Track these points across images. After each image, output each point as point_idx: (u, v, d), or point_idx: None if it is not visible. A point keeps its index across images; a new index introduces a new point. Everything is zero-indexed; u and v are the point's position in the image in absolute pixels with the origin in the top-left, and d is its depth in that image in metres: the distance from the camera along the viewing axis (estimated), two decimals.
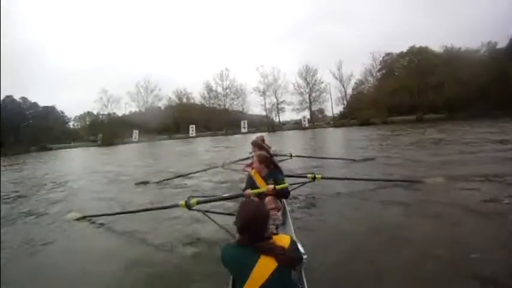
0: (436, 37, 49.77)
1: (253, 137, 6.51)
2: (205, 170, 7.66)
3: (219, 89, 47.70)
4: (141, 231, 3.93)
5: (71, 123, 55.96)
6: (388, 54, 42.94)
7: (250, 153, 5.73)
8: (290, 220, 2.98)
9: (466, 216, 3.64)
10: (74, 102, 61.27)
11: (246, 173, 4.83)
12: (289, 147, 12.81)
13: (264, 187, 3.04)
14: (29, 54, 65.37)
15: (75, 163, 18.76)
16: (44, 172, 13.06)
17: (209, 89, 47.96)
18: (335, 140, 19.71)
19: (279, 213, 3.01)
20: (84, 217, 4.74)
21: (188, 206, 3.02)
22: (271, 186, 2.88)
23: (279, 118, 47.50)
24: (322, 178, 3.95)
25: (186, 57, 78.03)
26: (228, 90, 47.40)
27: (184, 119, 45.22)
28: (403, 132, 18.20)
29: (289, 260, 1.44)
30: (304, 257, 1.53)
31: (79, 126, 56.10)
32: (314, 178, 3.77)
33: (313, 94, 45.02)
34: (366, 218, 3.88)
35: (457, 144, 10.46)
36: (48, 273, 3.06)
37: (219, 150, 16.92)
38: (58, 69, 65.52)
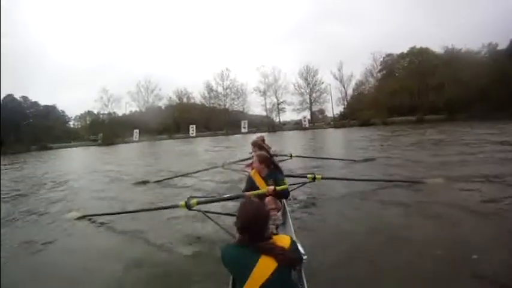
0: (437, 38, 49.63)
1: (254, 137, 6.52)
2: (205, 170, 7.67)
3: (220, 89, 47.72)
4: (141, 231, 3.93)
5: (71, 123, 55.96)
6: (388, 55, 42.97)
7: (250, 153, 5.73)
8: (290, 220, 2.98)
9: (466, 216, 3.65)
10: (74, 102, 61.31)
11: (246, 173, 4.84)
12: (289, 148, 12.81)
13: (264, 187, 3.05)
14: (30, 54, 65.27)
15: (75, 162, 18.78)
16: (44, 171, 13.07)
17: (209, 89, 47.97)
18: (335, 141, 19.72)
19: (279, 214, 3.02)
20: (84, 216, 4.75)
21: (188, 207, 3.01)
22: (272, 187, 2.88)
23: (279, 118, 47.54)
24: (322, 178, 3.95)
25: (187, 57, 77.95)
26: (228, 90, 47.41)
27: (184, 119, 45.19)
28: (403, 133, 18.20)
29: (289, 260, 1.45)
30: (304, 257, 1.53)
31: (79, 126, 56.02)
32: (314, 178, 3.77)
33: (314, 94, 45.02)
34: (366, 218, 3.89)
35: (457, 145, 10.47)
36: (48, 272, 3.07)
37: (219, 150, 16.93)
38: (59, 68, 65.32)
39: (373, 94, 41.59)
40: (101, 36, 78.24)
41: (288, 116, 48.44)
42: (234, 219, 2.94)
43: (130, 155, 20.02)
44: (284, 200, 3.30)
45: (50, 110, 50.06)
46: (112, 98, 46.78)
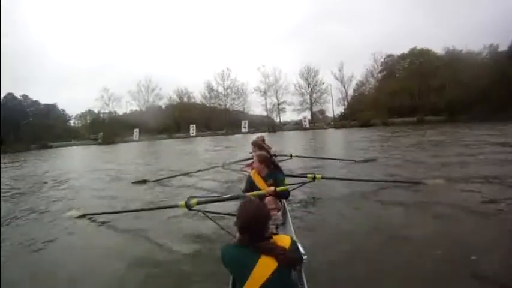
0: (438, 39, 49.85)
1: (254, 137, 6.52)
2: (205, 170, 7.67)
3: (220, 89, 47.83)
4: (141, 230, 3.93)
5: (71, 122, 56.09)
6: (389, 55, 43.03)
7: (251, 153, 5.73)
8: (290, 220, 2.98)
9: (466, 217, 3.66)
10: (75, 101, 61.52)
11: (246, 173, 4.84)
12: (289, 148, 12.81)
13: (264, 187, 3.04)
14: (31, 53, 65.52)
15: (75, 161, 18.81)
16: (45, 170, 13.08)
17: (210, 89, 48.09)
18: (335, 141, 19.72)
19: (279, 213, 3.02)
20: (84, 215, 4.75)
21: (188, 206, 3.00)
22: (272, 188, 2.87)
23: (279, 118, 47.63)
24: (322, 178, 3.95)
25: (187, 56, 78.20)
26: (229, 90, 47.52)
27: (184, 119, 45.25)
28: (404, 134, 18.20)
29: (289, 260, 1.44)
30: (304, 257, 1.53)
31: (80, 125, 56.14)
32: (314, 178, 3.77)
33: (314, 95, 45.14)
34: (366, 218, 3.89)
35: (457, 146, 10.47)
36: (48, 271, 3.07)
37: (219, 150, 16.94)
38: (59, 67, 65.62)
39: (373, 95, 41.64)
40: (101, 36, 78.28)
41: (288, 116, 48.63)
42: (234, 219, 2.94)
43: (130, 154, 20.03)
44: (284, 200, 3.30)
45: (51, 109, 50.16)
46: (112, 97, 47.01)
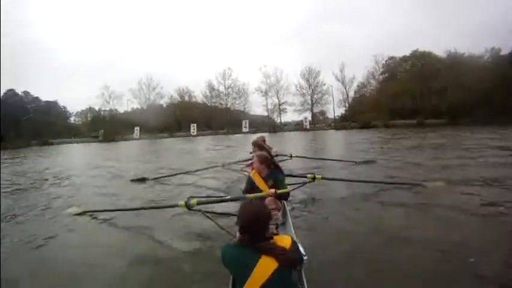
0: (440, 41, 49.53)
1: (254, 137, 6.52)
2: (205, 169, 7.67)
3: (221, 88, 47.80)
4: (141, 229, 3.93)
5: (72, 119, 56.10)
6: (391, 57, 42.96)
7: (251, 153, 5.73)
8: (290, 220, 2.99)
9: (466, 219, 3.68)
10: (75, 98, 61.35)
11: (246, 173, 4.84)
12: (290, 148, 12.79)
13: (264, 187, 3.04)
14: (32, 49, 65.57)
15: (76, 158, 18.83)
16: (45, 166, 13.08)
17: (211, 88, 48.05)
18: (336, 142, 19.72)
19: (279, 213, 3.02)
20: (84, 212, 4.75)
21: (188, 206, 2.99)
22: (272, 190, 2.86)
23: (280, 119, 47.59)
24: (322, 178, 3.96)
25: (189, 55, 78.13)
26: (230, 90, 47.49)
27: (185, 117, 45.24)
28: (404, 136, 18.20)
29: (290, 260, 1.44)
30: (305, 257, 1.53)
31: (80, 122, 56.13)
32: (314, 178, 3.77)
33: (315, 96, 45.10)
34: (366, 218, 3.90)
35: (457, 149, 10.47)
36: (48, 268, 3.07)
37: (220, 149, 16.95)
38: (61, 64, 65.65)
39: (374, 96, 41.60)
40: (104, 34, 78.47)
41: (289, 116, 48.59)
42: (234, 219, 2.95)
43: (131, 152, 20.04)
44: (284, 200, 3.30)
45: (52, 106, 50.17)
46: (113, 94, 47.00)
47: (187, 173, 7.56)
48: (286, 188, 3.03)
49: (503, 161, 7.38)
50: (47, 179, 9.13)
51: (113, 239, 3.75)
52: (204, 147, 19.51)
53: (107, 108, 48.43)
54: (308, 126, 41.50)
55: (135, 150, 21.69)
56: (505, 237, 3.17)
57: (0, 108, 36.36)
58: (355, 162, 8.17)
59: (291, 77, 47.97)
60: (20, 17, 64.36)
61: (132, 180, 7.43)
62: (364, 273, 2.49)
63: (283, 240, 1.51)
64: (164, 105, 50.19)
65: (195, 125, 42.94)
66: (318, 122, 46.08)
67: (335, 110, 45.98)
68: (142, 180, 7.38)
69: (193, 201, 3.01)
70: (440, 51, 38.41)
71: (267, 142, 5.87)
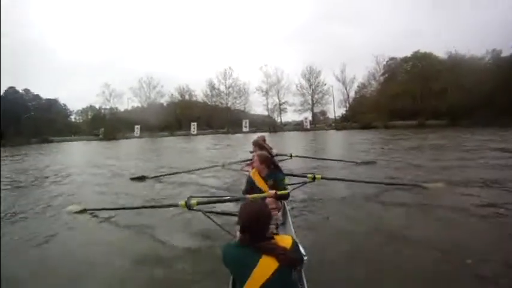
0: (441, 42, 49.49)
1: (255, 136, 6.52)
2: (205, 169, 7.66)
3: (222, 88, 47.77)
4: (140, 228, 3.94)
5: (72, 117, 56.05)
6: (392, 58, 42.86)
7: (251, 152, 5.73)
8: (290, 220, 2.99)
9: (465, 220, 3.70)
10: (76, 96, 61.59)
11: (246, 173, 4.84)
12: (290, 148, 12.80)
13: (264, 187, 3.04)
14: (33, 47, 65.55)
15: (76, 156, 18.81)
16: (46, 164, 13.08)
17: (212, 87, 48.02)
18: (336, 143, 19.71)
19: (279, 213, 3.02)
20: (84, 210, 4.76)
21: (188, 206, 2.98)
22: (273, 191, 2.85)
23: (280, 119, 47.55)
24: (322, 178, 3.96)
25: (190, 55, 78.04)
26: (230, 89, 47.46)
27: (186, 116, 45.21)
28: (405, 137, 18.19)
29: (290, 260, 1.45)
30: (305, 258, 1.53)
31: (81, 120, 56.12)
32: (314, 178, 3.77)
33: (316, 96, 45.06)
34: (366, 219, 3.91)
35: (457, 150, 10.47)
36: (48, 266, 3.08)
37: (220, 149, 16.95)
38: (61, 62, 65.69)
39: (375, 97, 41.54)
40: (105, 33, 78.36)
41: (290, 116, 48.56)
42: (234, 219, 2.95)
43: (131, 151, 20.04)
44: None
45: (52, 104, 50.11)
46: (114, 93, 47.01)
47: (187, 172, 7.55)
48: (286, 188, 3.03)
49: (504, 163, 7.38)
50: (47, 177, 9.12)
51: (113, 237, 3.75)
52: (204, 146, 19.50)
53: (108, 107, 48.50)
54: (308, 126, 41.46)
55: (135, 149, 21.68)
56: (505, 238, 3.19)
57: (0, 106, 36.32)
58: (356, 162, 8.17)
59: (292, 77, 47.93)
60: (20, 16, 64.29)
61: (132, 179, 7.42)
62: (364, 273, 2.50)
63: (284, 240, 1.50)
64: (165, 104, 50.24)
65: (196, 124, 42.92)
66: (319, 122, 46.05)
67: (335, 110, 46.01)
68: (142, 178, 7.38)
69: (194, 201, 3.01)
70: (441, 52, 38.43)
71: (267, 142, 5.86)
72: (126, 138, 40.13)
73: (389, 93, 38.36)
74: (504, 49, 33.92)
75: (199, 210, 3.07)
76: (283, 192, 2.88)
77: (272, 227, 2.52)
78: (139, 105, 48.79)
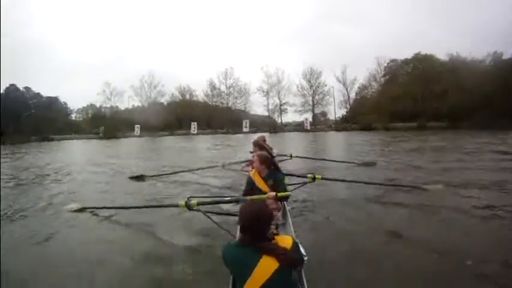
0: (442, 44, 49.58)
1: (255, 136, 6.52)
2: (205, 168, 7.65)
3: (223, 87, 47.77)
4: (140, 227, 3.94)
5: (73, 115, 56.05)
6: (393, 60, 42.87)
7: (251, 152, 5.73)
8: (290, 220, 2.99)
9: (465, 221, 3.72)
10: (76, 94, 61.55)
11: (246, 173, 4.84)
12: (290, 149, 12.80)
13: (263, 187, 3.03)
14: (34, 45, 65.59)
15: (76, 154, 18.81)
16: (45, 162, 13.07)
17: (212, 87, 48.02)
18: (336, 143, 19.72)
19: (279, 213, 3.02)
20: (83, 209, 4.76)
21: (188, 207, 2.98)
22: (273, 193, 2.84)
23: (281, 119, 47.53)
24: (322, 179, 3.96)
25: (191, 54, 77.87)
26: (231, 89, 47.45)
27: (186, 116, 45.19)
28: (405, 139, 18.20)
29: (291, 260, 1.44)
30: (305, 258, 1.53)
31: (81, 119, 56.13)
32: (314, 178, 3.77)
33: (317, 97, 45.01)
34: (365, 219, 3.92)
35: (457, 152, 10.48)
36: (48, 263, 3.08)
37: (220, 149, 16.95)
38: (62, 60, 65.44)
39: (375, 99, 41.54)
40: (106, 31, 78.49)
41: (290, 117, 48.52)
42: (234, 219, 2.95)
43: (131, 150, 20.04)
44: None
45: (53, 102, 50.07)
46: (115, 91, 46.99)
47: (186, 171, 7.54)
48: (286, 187, 3.03)
49: (504, 165, 7.40)
50: (47, 175, 9.12)
51: (113, 236, 3.75)
52: (204, 146, 19.50)
53: (108, 105, 48.51)
54: (309, 127, 41.44)
55: (135, 148, 21.69)
56: (504, 240, 3.21)
57: (0, 104, 36.33)
58: (356, 163, 8.16)
59: (293, 78, 48.14)
60: (20, 15, 64.30)
61: (131, 178, 7.41)
62: (364, 273, 2.51)
63: (285, 241, 1.50)
64: (165, 103, 50.23)
65: (196, 123, 42.92)
66: (319, 123, 46.00)
67: (336, 111, 46.01)
68: (141, 177, 7.36)
69: (194, 201, 3.00)
70: (442, 54, 38.44)
71: (267, 142, 5.85)
72: (126, 137, 40.14)
73: (390, 95, 38.35)
74: (505, 52, 33.97)
75: (199, 210, 3.07)
76: (283, 194, 2.87)
77: (272, 227, 2.52)
78: (140, 104, 48.86)
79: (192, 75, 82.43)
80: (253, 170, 3.30)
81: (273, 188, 2.95)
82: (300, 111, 45.55)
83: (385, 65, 43.17)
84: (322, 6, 78.11)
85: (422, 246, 2.98)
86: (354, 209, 4.35)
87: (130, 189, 6.46)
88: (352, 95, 45.36)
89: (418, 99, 37.82)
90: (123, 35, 78.50)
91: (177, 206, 3.18)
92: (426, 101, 36.90)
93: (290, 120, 49.20)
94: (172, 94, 50.01)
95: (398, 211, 4.20)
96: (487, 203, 4.34)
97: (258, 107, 47.45)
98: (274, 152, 5.79)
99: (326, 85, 44.60)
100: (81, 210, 4.74)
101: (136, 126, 42.82)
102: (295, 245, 1.50)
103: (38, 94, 49.32)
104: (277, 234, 2.05)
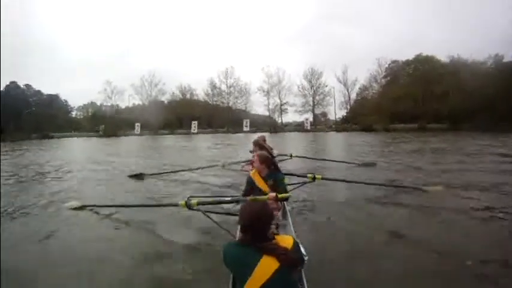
0: (443, 46, 49.33)
1: (255, 136, 6.52)
2: (205, 168, 7.65)
3: (223, 87, 47.74)
4: (140, 226, 3.94)
5: (73, 113, 56.04)
6: (394, 61, 42.83)
7: (251, 151, 5.73)
8: (290, 220, 2.99)
9: (465, 222, 3.74)
10: (77, 92, 61.59)
11: (246, 172, 4.84)
12: (290, 149, 12.81)
13: (263, 187, 3.03)
14: (36, 43, 65.49)
15: (76, 152, 18.80)
16: (46, 160, 13.07)
17: (213, 86, 47.98)
18: (336, 144, 19.72)
19: (279, 213, 3.02)
20: (83, 207, 4.75)
21: (188, 206, 2.98)
22: (273, 194, 2.84)
23: (281, 119, 47.50)
24: (322, 179, 3.97)
25: (192, 53, 77.67)
26: (232, 89, 47.42)
27: (186, 115, 45.17)
28: (405, 140, 18.21)
29: (291, 260, 1.44)
30: (306, 258, 1.52)
31: (81, 116, 56.12)
32: (314, 178, 3.77)
33: (317, 97, 44.96)
34: (365, 219, 3.94)
35: (458, 154, 10.48)
36: (47, 261, 3.08)
37: (221, 148, 16.96)
38: (63, 58, 65.78)
39: (376, 100, 41.50)
40: (107, 30, 78.48)
41: (290, 117, 48.47)
42: (234, 219, 2.95)
43: (131, 148, 20.05)
44: None
45: (53, 99, 50.02)
46: (115, 90, 47.05)
47: (186, 170, 7.54)
48: (286, 187, 3.03)
49: (504, 168, 7.42)
50: (47, 172, 9.13)
51: (113, 235, 3.75)
52: (205, 145, 19.51)
53: (109, 104, 48.52)
54: (309, 128, 41.42)
55: (135, 146, 21.70)
56: (504, 241, 3.22)
57: (0, 101, 36.34)
58: (356, 164, 8.16)
59: (294, 78, 48.12)
60: (22, 13, 64.16)
61: (130, 176, 7.40)
62: (364, 273, 2.52)
63: (285, 241, 1.50)
64: (166, 102, 50.20)
65: (196, 122, 42.91)
66: (319, 124, 45.96)
67: (336, 112, 45.98)
68: (140, 176, 7.35)
69: (194, 201, 2.99)
70: (443, 56, 38.41)
71: (268, 142, 5.85)
72: (127, 135, 40.16)
73: (391, 96, 38.32)
74: (506, 54, 33.94)
75: (199, 210, 3.07)
76: (284, 195, 2.87)
77: (272, 227, 2.52)
78: (141, 102, 48.86)
79: (192, 74, 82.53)
80: (253, 170, 3.30)
81: (272, 188, 2.95)
82: (300, 111, 45.56)
83: (386, 66, 43.19)
84: (324, 7, 78.17)
85: (422, 246, 2.99)
86: (354, 209, 4.35)
87: (130, 187, 6.46)
88: (353, 96, 45.38)
89: (418, 100, 37.77)
90: (124, 34, 78.46)
91: (177, 205, 3.18)
92: (427, 102, 36.86)
93: (290, 120, 49.23)
94: (173, 93, 50.03)
95: (398, 211, 4.21)
96: (487, 204, 4.36)
97: (258, 106, 47.49)
98: (275, 152, 5.79)
99: (327, 85, 44.62)
100: (81, 208, 4.74)
101: (136, 124, 42.83)
102: (296, 245, 1.49)
103: (39, 92, 49.31)
104: (277, 234, 2.05)
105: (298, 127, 43.89)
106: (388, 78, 43.21)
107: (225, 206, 4.04)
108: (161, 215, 4.18)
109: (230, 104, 47.65)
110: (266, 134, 14.37)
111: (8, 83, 44.21)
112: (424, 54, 39.78)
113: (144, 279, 2.64)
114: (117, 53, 74.74)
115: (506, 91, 28.89)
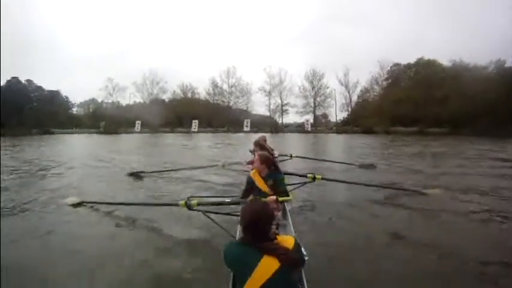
0: (445, 49, 49.46)
1: (256, 136, 6.53)
2: (205, 167, 7.65)
3: (225, 86, 47.80)
4: (139, 224, 3.94)
5: (74, 109, 56.03)
6: (395, 64, 42.84)
7: (251, 151, 5.74)
8: (290, 220, 3.00)
9: (464, 225, 3.77)
10: (78, 89, 61.57)
11: (247, 172, 4.85)
12: (291, 149, 12.80)
13: (263, 187, 3.04)
14: (39, 39, 65.56)
15: (77, 148, 18.81)
16: (46, 156, 13.07)
17: (214, 85, 48.05)
18: (337, 145, 19.72)
19: (279, 213, 3.03)
20: (82, 203, 4.76)
21: (188, 206, 2.97)
22: (274, 197, 2.84)
23: (282, 120, 47.50)
24: (322, 179, 3.98)
25: (194, 52, 77.78)
26: (233, 88, 47.48)
27: (187, 114, 45.16)
28: (406, 143, 18.22)
29: (292, 260, 1.44)
30: (306, 258, 1.53)
31: (82, 113, 56.13)
32: (314, 178, 3.78)
33: (318, 98, 45.00)
34: (365, 220, 3.96)
35: (457, 158, 10.50)
36: (47, 257, 3.09)
37: (221, 147, 16.96)
38: (65, 55, 65.63)
39: (377, 102, 41.50)
40: (109, 27, 78.38)
41: (291, 118, 48.46)
42: (234, 219, 2.96)
43: (132, 145, 20.04)
44: None
45: (54, 95, 49.99)
46: (117, 87, 47.09)
47: (187, 169, 7.55)
48: (285, 188, 3.04)
49: (503, 172, 7.43)
50: (48, 168, 9.14)
51: (112, 232, 3.74)
52: (205, 144, 19.51)
53: (110, 101, 48.55)
54: (309, 129, 41.42)
55: (135, 144, 21.69)
56: (502, 243, 3.25)
57: (0, 97, 36.36)
58: (356, 165, 8.17)
59: (295, 79, 47.79)
60: (24, 10, 64.14)
61: (130, 174, 7.39)
62: (364, 273, 2.53)
63: (286, 241, 1.50)
64: (166, 100, 50.22)
65: (197, 121, 42.90)
66: (320, 125, 45.96)
67: (337, 113, 45.97)
68: (140, 174, 7.34)
69: (194, 202, 2.99)
70: (444, 59, 38.40)
71: (268, 142, 5.86)
72: (127, 133, 40.15)
73: (392, 99, 38.30)
74: (508, 60, 33.91)
75: (199, 211, 3.07)
76: (284, 198, 2.88)
77: (273, 227, 2.52)
78: (142, 100, 48.89)
79: (194, 73, 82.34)
80: (254, 170, 3.31)
81: (272, 188, 2.96)
82: (301, 112, 45.58)
83: (388, 68, 43.21)
84: (327, 9, 78.14)
85: (421, 247, 3.01)
86: (354, 210, 4.38)
87: (130, 185, 6.47)
88: (354, 98, 45.38)
89: (419, 104, 37.70)
90: (126, 31, 78.44)
91: (177, 205, 3.16)
92: (428, 106, 36.78)
93: (291, 121, 49.21)
94: (174, 91, 50.07)
95: (398, 213, 4.24)
96: (486, 208, 4.38)
97: (259, 106, 47.50)
98: (275, 153, 5.80)
99: (328, 87, 44.67)
100: (80, 204, 4.75)
101: (137, 122, 42.83)
102: (296, 246, 1.50)
103: (40, 87, 49.29)
104: (277, 234, 2.06)
105: (299, 128, 43.86)
106: (390, 81, 43.22)
107: (225, 206, 4.05)
108: (161, 213, 4.18)
109: (231, 104, 47.71)
110: (267, 135, 14.35)
111: (9, 79, 44.23)
112: (426, 57, 39.85)
113: (144, 278, 2.63)
114: (119, 51, 74.78)
115: (507, 96, 28.87)
